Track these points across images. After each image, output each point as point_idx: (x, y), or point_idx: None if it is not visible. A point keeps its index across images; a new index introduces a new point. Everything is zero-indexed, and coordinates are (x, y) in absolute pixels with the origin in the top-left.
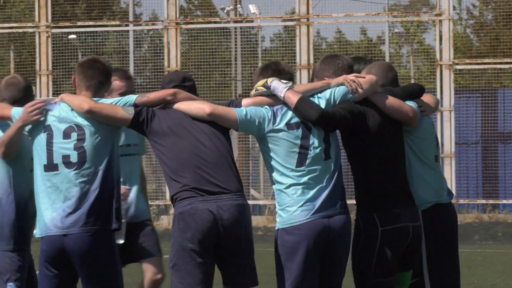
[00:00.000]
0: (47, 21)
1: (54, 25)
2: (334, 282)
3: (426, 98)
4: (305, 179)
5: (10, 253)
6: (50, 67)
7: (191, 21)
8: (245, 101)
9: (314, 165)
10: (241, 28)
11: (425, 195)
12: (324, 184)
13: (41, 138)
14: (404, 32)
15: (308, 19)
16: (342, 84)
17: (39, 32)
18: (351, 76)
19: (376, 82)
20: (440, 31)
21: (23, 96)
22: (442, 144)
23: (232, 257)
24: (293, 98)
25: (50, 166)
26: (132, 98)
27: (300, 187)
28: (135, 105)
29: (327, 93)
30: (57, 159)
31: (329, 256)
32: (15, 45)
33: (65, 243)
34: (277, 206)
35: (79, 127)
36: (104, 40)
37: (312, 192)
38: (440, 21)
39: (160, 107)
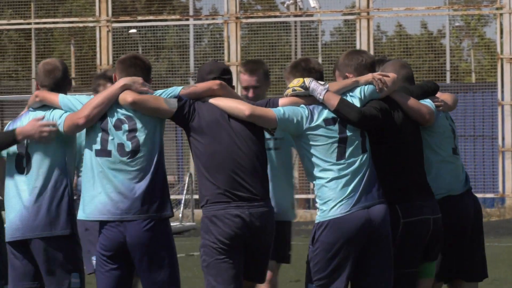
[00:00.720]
0: (107, 15)
1: (114, 19)
2: (377, 273)
3: (445, 96)
4: (345, 172)
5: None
6: (110, 62)
7: (251, 15)
8: (282, 101)
9: (353, 158)
10: (301, 22)
11: (438, 188)
12: (362, 176)
13: (94, 124)
14: (464, 25)
15: (368, 13)
16: (370, 83)
17: (100, 27)
18: (378, 75)
19: (398, 80)
20: (501, 25)
21: (64, 82)
22: (503, 138)
23: (255, 258)
24: (333, 101)
25: (103, 152)
26: (176, 89)
27: (341, 180)
28: (179, 97)
29: (357, 92)
30: (111, 146)
31: (370, 246)
32: (76, 40)
33: (122, 230)
34: (317, 200)
35: (129, 118)
36: (164, 35)
37: (352, 185)
38: (501, 14)
39: (201, 100)
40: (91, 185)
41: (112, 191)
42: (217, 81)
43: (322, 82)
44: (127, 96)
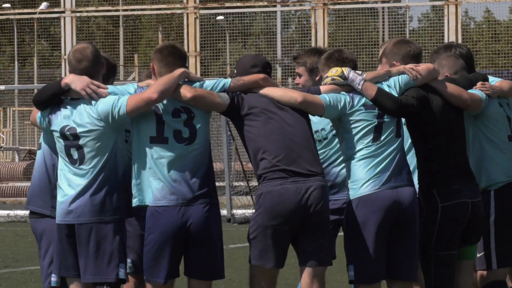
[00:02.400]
0: (195, 2)
1: (202, 6)
2: (407, 251)
3: (499, 83)
4: (378, 153)
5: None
6: (198, 48)
7: (339, 1)
8: (323, 88)
9: (386, 141)
10: (388, 8)
11: (496, 175)
12: (393, 159)
13: (149, 112)
14: None
15: None
16: (402, 72)
17: (187, 14)
18: (409, 66)
19: (434, 69)
20: None
21: (92, 67)
22: None
23: (314, 237)
24: (371, 91)
25: (160, 139)
26: (226, 81)
27: (373, 160)
28: (228, 89)
29: (391, 82)
30: (168, 133)
31: (398, 228)
32: (163, 27)
33: (186, 216)
34: (348, 180)
35: (185, 108)
36: (252, 21)
37: (382, 165)
38: None
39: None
40: (144, 172)
41: (169, 177)
42: (262, 75)
43: (359, 72)
44: (186, 92)
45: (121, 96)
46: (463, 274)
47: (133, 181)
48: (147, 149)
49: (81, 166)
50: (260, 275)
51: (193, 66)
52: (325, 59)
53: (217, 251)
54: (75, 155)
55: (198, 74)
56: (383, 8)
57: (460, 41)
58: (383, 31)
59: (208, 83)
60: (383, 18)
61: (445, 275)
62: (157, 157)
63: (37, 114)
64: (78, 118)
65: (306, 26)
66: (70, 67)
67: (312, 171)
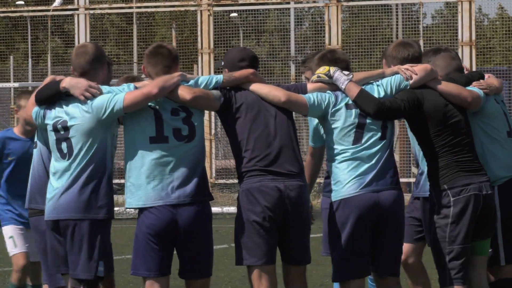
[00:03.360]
0: None
1: (215, 3)
2: (389, 254)
3: (490, 80)
4: (359, 155)
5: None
6: (211, 46)
7: None
8: (309, 86)
9: (369, 143)
10: (402, 4)
11: (498, 171)
12: (376, 162)
13: (147, 111)
14: None
15: None
16: (396, 73)
17: (201, 11)
18: (404, 66)
19: (431, 70)
20: None
21: (92, 67)
22: None
23: (295, 236)
24: (353, 91)
25: (160, 138)
26: (218, 78)
27: (354, 162)
28: (221, 85)
29: (384, 82)
30: (168, 131)
31: (381, 229)
32: (177, 24)
33: (175, 215)
34: (332, 180)
35: (183, 107)
36: (265, 18)
37: (363, 168)
38: None
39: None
40: (141, 172)
41: (169, 177)
42: (251, 70)
43: (346, 72)
44: (185, 94)
45: (118, 93)
46: (476, 270)
47: (127, 183)
48: (146, 150)
49: (69, 160)
50: (256, 273)
51: (207, 63)
52: (318, 59)
53: (209, 249)
54: (65, 149)
55: (212, 72)
56: (396, 5)
57: (474, 38)
58: (397, 28)
59: (202, 79)
60: (397, 15)
61: (460, 268)
62: (157, 157)
63: (33, 110)
64: (70, 111)
65: (319, 23)
66: (71, 64)
67: (292, 171)
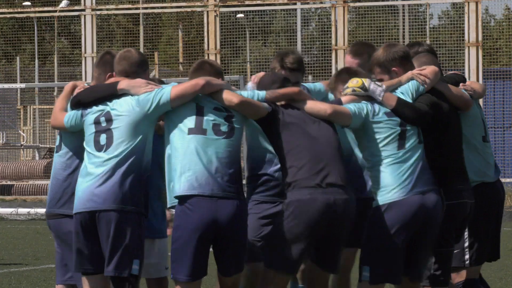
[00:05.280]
0: (215, 0)
1: (222, 4)
2: (424, 258)
3: (473, 84)
4: (403, 160)
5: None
6: (218, 46)
7: None
8: (344, 99)
9: (411, 148)
10: (409, 5)
11: (470, 175)
12: (417, 164)
13: (190, 104)
14: None
15: None
16: (411, 79)
17: (207, 11)
18: (416, 71)
19: (438, 72)
20: None
21: (134, 71)
22: None
23: (333, 247)
24: (391, 101)
25: (198, 130)
26: (260, 93)
27: (399, 167)
28: (263, 101)
29: (404, 89)
30: (207, 125)
31: (421, 233)
32: (184, 24)
33: (215, 208)
34: (375, 186)
35: (226, 108)
36: (272, 19)
37: (408, 172)
38: None
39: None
40: (177, 164)
41: (204, 169)
42: (297, 88)
43: (379, 84)
44: (233, 98)
45: (163, 87)
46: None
47: (168, 176)
48: (184, 141)
49: (106, 152)
50: (277, 279)
51: None
52: (336, 76)
53: (243, 247)
54: (103, 140)
55: None
56: (403, 5)
57: (480, 38)
58: (403, 29)
59: (245, 93)
60: (403, 16)
61: (445, 272)
62: (194, 148)
63: (65, 116)
64: (117, 103)
65: (326, 23)
66: (114, 69)
67: (340, 184)
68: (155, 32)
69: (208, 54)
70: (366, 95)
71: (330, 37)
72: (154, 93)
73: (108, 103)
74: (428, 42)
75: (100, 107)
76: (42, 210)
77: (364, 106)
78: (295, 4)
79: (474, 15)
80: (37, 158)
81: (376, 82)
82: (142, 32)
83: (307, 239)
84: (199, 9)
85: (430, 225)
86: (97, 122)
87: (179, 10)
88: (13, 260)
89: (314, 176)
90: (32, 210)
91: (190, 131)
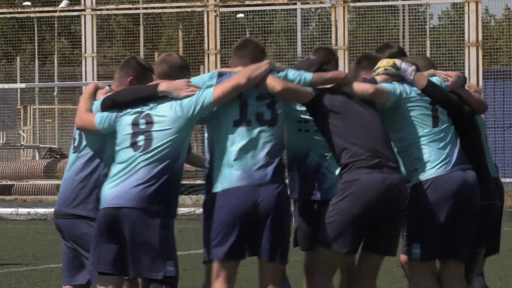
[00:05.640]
0: (215, 0)
1: (222, 4)
2: (467, 236)
3: (450, 73)
4: (440, 137)
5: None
6: (218, 46)
7: None
8: (377, 78)
9: (445, 126)
10: (409, 5)
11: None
12: (454, 142)
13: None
14: None
15: None
16: (433, 75)
17: (208, 11)
18: (439, 72)
19: (462, 76)
20: None
21: (174, 74)
22: None
23: (391, 227)
24: (422, 81)
25: (243, 121)
26: (308, 75)
27: (438, 144)
28: (310, 84)
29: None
30: (251, 115)
31: (465, 208)
32: (184, 25)
33: (258, 196)
34: (412, 165)
35: (270, 94)
36: (272, 19)
37: (447, 149)
38: None
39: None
40: (225, 155)
41: (250, 160)
42: (342, 73)
43: (410, 63)
44: (276, 85)
45: (199, 84)
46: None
47: (211, 168)
48: (229, 134)
49: (145, 152)
50: (327, 259)
51: (214, 64)
52: (357, 64)
53: (286, 233)
54: (141, 141)
55: None
56: (403, 5)
57: (480, 38)
58: (403, 29)
59: (292, 74)
60: (404, 16)
61: (469, 271)
62: (240, 140)
63: (96, 117)
64: (158, 107)
65: (326, 23)
66: (154, 72)
67: (394, 165)
68: (155, 32)
69: (208, 54)
70: (397, 74)
71: (330, 37)
72: (196, 96)
73: (146, 105)
74: (428, 42)
75: (138, 108)
76: (42, 210)
77: (397, 86)
78: (295, 4)
79: (474, 15)
80: (37, 158)
81: (408, 63)
82: (142, 32)
83: (366, 218)
84: (199, 9)
85: (472, 202)
86: (135, 123)
87: (179, 10)
88: (13, 260)
89: (369, 157)
90: (32, 210)
91: (235, 123)
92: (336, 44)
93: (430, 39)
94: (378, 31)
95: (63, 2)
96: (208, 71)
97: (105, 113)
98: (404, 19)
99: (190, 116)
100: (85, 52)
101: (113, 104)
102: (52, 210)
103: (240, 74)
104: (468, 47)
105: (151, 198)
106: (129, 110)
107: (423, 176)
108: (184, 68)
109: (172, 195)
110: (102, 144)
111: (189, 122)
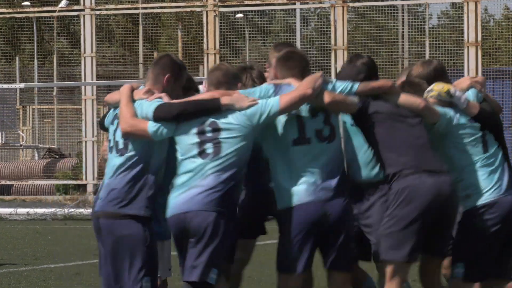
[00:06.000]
0: (214, 0)
1: (221, 4)
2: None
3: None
4: (490, 162)
5: None
6: (217, 46)
7: None
8: (429, 101)
9: (494, 149)
10: (408, 5)
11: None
12: (503, 167)
13: (288, 114)
14: None
15: None
16: (471, 87)
17: (207, 11)
18: (474, 79)
19: (485, 79)
20: None
21: (228, 82)
22: None
23: (446, 230)
24: (475, 108)
25: (302, 140)
26: (354, 85)
27: (487, 169)
28: (356, 93)
29: (470, 97)
30: (310, 133)
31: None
32: (183, 25)
33: (327, 209)
34: (466, 189)
35: (321, 108)
36: (271, 19)
37: (497, 174)
38: None
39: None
40: (287, 174)
41: (313, 176)
42: (389, 81)
43: (461, 91)
44: (325, 96)
45: (267, 99)
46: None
47: (273, 186)
48: (289, 152)
49: (213, 160)
50: (394, 269)
51: (213, 64)
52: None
53: (352, 244)
54: (209, 149)
55: None
56: (402, 5)
57: (480, 38)
58: (403, 29)
59: (339, 84)
60: (403, 16)
61: None
62: (301, 158)
63: (150, 125)
64: (224, 115)
65: (325, 23)
66: (208, 80)
67: (442, 169)
68: (154, 32)
69: (207, 54)
70: (449, 101)
71: (329, 37)
72: (260, 105)
73: (213, 113)
74: (427, 42)
75: (204, 118)
76: (41, 210)
77: (447, 110)
78: (294, 4)
79: (473, 15)
80: (36, 158)
81: (458, 91)
82: (141, 32)
83: (423, 222)
84: (198, 9)
85: None
86: (201, 132)
87: (178, 10)
88: (12, 260)
89: (417, 164)
90: (31, 210)
91: (295, 142)
92: (335, 44)
93: (430, 39)
94: (377, 31)
95: (62, 2)
96: (207, 71)
97: (161, 123)
98: (403, 19)
99: (255, 124)
100: (84, 52)
101: (174, 117)
102: (51, 210)
103: (304, 85)
104: (467, 47)
105: (219, 204)
106: (188, 122)
107: (476, 202)
108: (236, 77)
109: (236, 202)
110: (151, 145)
111: (254, 131)
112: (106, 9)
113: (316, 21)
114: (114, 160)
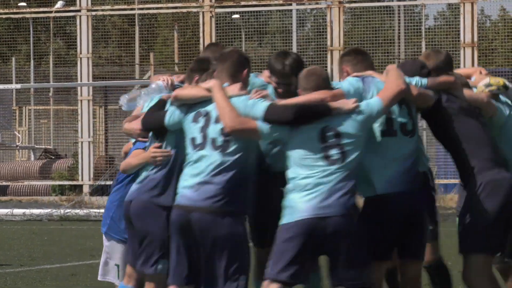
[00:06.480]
0: (210, 1)
1: (217, 4)
2: None
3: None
4: None
5: None
6: None
7: None
8: (483, 95)
9: None
10: (404, 6)
11: None
12: None
13: None
14: None
15: None
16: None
17: (203, 12)
18: (484, 73)
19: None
20: None
21: (325, 86)
22: None
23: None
24: None
25: (389, 132)
26: (423, 80)
27: None
28: (427, 87)
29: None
30: (396, 126)
31: None
32: (179, 25)
33: (411, 202)
34: None
35: (403, 102)
36: (267, 20)
37: None
38: None
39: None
40: (373, 165)
41: (395, 168)
42: (452, 76)
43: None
44: (412, 90)
45: (367, 101)
46: None
47: (372, 173)
48: (378, 144)
49: (342, 165)
50: (482, 263)
51: None
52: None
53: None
54: (335, 155)
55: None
56: (398, 6)
57: (476, 39)
58: (399, 30)
59: (415, 80)
60: (399, 17)
61: None
62: (385, 149)
63: (261, 125)
64: (337, 120)
65: (321, 24)
66: (302, 85)
67: (507, 165)
68: (150, 32)
69: None
70: (501, 94)
71: (326, 38)
72: (364, 107)
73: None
74: (423, 43)
75: (325, 123)
76: (37, 211)
77: (500, 105)
78: (290, 4)
79: (469, 16)
80: (32, 158)
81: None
82: (137, 33)
83: (504, 216)
84: (194, 10)
85: None
86: (323, 137)
87: (174, 10)
88: (9, 261)
89: (494, 158)
90: (27, 211)
91: (383, 134)
92: (331, 45)
93: (426, 39)
94: (373, 31)
95: (59, 2)
96: None
97: (273, 125)
98: (399, 19)
99: (368, 125)
100: (81, 53)
101: (290, 121)
102: (47, 211)
103: (396, 81)
104: (464, 47)
105: (350, 206)
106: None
107: None
108: (330, 79)
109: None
110: (251, 144)
111: (368, 131)
112: (102, 10)
113: (312, 22)
114: (213, 157)
